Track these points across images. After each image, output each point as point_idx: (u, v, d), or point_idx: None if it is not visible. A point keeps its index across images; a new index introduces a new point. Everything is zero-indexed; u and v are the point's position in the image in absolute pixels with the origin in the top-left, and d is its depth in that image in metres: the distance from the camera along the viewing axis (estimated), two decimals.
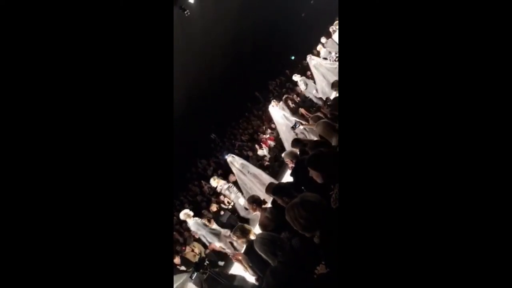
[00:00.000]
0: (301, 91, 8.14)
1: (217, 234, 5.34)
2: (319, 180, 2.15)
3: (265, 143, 8.45)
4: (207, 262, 5.19)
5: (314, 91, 7.44)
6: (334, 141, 2.84)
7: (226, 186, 5.87)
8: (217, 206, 7.11)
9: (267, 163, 7.72)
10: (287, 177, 4.82)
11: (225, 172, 8.48)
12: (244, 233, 3.02)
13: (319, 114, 5.04)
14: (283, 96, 8.56)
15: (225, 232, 5.38)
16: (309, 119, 5.40)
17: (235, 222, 5.94)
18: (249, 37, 10.71)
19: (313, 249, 1.72)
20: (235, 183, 5.93)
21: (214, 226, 5.54)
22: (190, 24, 8.08)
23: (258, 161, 7.64)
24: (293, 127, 6.31)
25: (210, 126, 11.38)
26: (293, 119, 6.54)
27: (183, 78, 8.56)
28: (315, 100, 7.33)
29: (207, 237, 5.43)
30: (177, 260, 5.55)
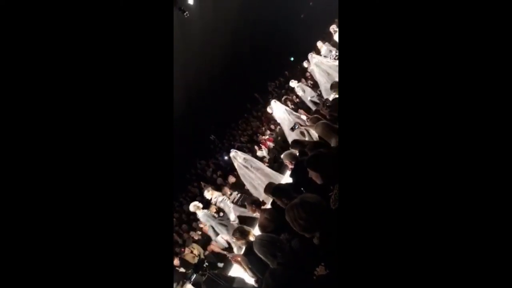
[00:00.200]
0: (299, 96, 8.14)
1: (225, 226, 5.49)
2: (318, 181, 2.14)
3: (264, 144, 8.45)
4: (206, 263, 5.18)
5: (311, 97, 7.45)
6: (333, 142, 2.84)
7: (220, 198, 5.72)
8: (216, 207, 7.11)
9: (266, 164, 7.72)
10: (287, 178, 4.82)
11: (225, 173, 8.50)
12: (244, 234, 3.02)
13: (318, 115, 5.05)
14: (282, 97, 8.57)
15: (234, 223, 5.51)
16: (308, 120, 5.41)
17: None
18: (248, 38, 10.72)
19: (312, 250, 1.72)
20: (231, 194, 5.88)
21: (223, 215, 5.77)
22: (190, 25, 8.09)
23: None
24: (292, 128, 6.32)
25: (209, 127, 11.39)
26: (296, 114, 6.60)
27: (183, 79, 8.56)
28: (312, 106, 7.34)
29: (216, 228, 5.60)
30: (176, 261, 5.54)
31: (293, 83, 7.85)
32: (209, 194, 5.66)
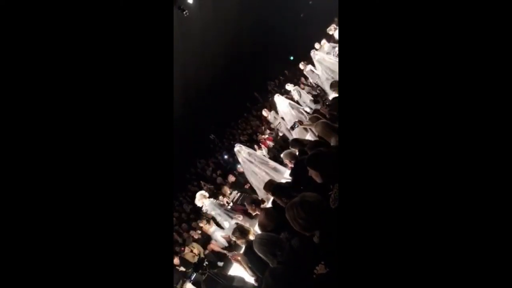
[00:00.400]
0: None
1: (230, 216, 5.54)
2: (318, 180, 2.15)
3: (264, 144, 8.45)
4: (206, 262, 5.19)
5: (308, 101, 7.46)
6: (333, 141, 2.84)
7: (208, 201, 5.55)
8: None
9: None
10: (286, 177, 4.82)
11: (224, 172, 8.50)
12: (243, 233, 3.02)
13: (317, 114, 5.06)
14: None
15: (238, 216, 5.53)
16: (308, 119, 5.42)
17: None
18: (248, 37, 10.71)
19: (312, 249, 1.72)
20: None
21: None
22: (189, 24, 8.08)
23: None
24: (292, 127, 6.33)
25: (209, 126, 11.38)
26: (299, 107, 6.63)
27: (182, 79, 8.56)
28: (309, 110, 7.36)
29: (222, 218, 5.63)
30: (176, 260, 5.55)
31: (289, 87, 7.83)
32: (200, 202, 5.51)
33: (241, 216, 5.31)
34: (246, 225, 4.59)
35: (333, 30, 8.14)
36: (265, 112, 7.62)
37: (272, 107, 8.99)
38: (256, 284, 2.85)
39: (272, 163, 5.65)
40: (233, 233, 3.10)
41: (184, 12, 7.45)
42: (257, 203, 3.68)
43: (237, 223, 5.02)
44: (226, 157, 10.14)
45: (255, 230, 3.14)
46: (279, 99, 6.94)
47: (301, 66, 8.16)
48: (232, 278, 4.10)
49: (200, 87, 10.19)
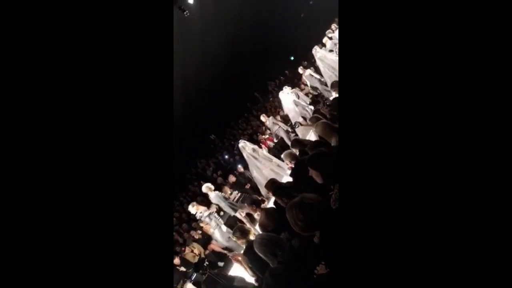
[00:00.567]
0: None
1: (234, 209, 5.59)
2: (319, 180, 2.14)
3: (264, 144, 8.45)
4: (206, 263, 5.19)
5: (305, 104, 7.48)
6: (333, 142, 2.84)
7: (206, 213, 5.40)
8: (217, 206, 7.11)
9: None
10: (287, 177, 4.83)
11: (225, 173, 8.50)
12: (244, 233, 3.02)
13: (318, 114, 5.06)
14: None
15: (242, 207, 5.57)
16: (308, 119, 5.44)
17: (235, 223, 5.97)
18: (248, 37, 10.71)
19: (313, 249, 1.72)
20: (217, 211, 5.78)
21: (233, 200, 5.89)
22: (190, 24, 8.08)
23: None
24: (293, 127, 6.36)
25: (209, 126, 11.38)
26: (303, 103, 6.66)
27: (183, 79, 8.56)
28: (298, 124, 7.37)
29: (226, 210, 5.71)
30: (176, 260, 5.55)
31: (287, 89, 7.79)
32: (193, 209, 5.37)
33: (244, 213, 5.34)
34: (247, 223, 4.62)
35: (333, 32, 8.12)
36: (263, 118, 7.61)
37: (272, 108, 9.00)
38: (256, 284, 2.85)
39: (276, 160, 5.70)
40: (234, 233, 3.10)
41: (185, 13, 7.46)
42: (258, 203, 3.68)
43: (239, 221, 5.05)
44: (226, 157, 10.15)
45: (255, 229, 3.15)
46: (283, 95, 7.02)
47: (300, 70, 8.13)
48: (233, 278, 4.10)
49: (200, 87, 10.19)
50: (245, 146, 5.88)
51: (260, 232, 2.91)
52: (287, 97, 6.98)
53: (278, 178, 5.18)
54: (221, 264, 5.40)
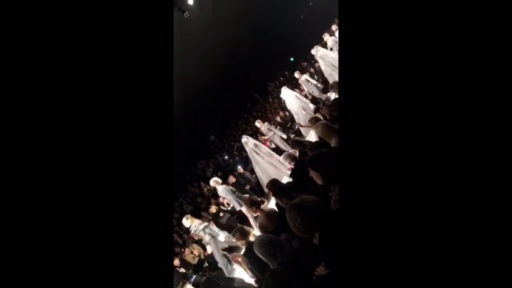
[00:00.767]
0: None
1: (240, 204, 5.70)
2: (319, 181, 2.14)
3: (264, 144, 8.45)
4: (206, 264, 5.18)
5: (296, 117, 7.48)
6: (333, 142, 2.84)
7: (201, 226, 5.12)
8: (216, 207, 7.11)
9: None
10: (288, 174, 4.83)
11: (224, 175, 8.49)
12: (244, 234, 3.01)
13: (317, 115, 5.07)
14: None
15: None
16: (308, 121, 5.45)
17: (235, 224, 5.97)
18: (248, 38, 10.73)
19: (312, 250, 1.71)
20: (214, 222, 5.73)
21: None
22: (189, 25, 8.10)
23: None
24: (292, 128, 6.40)
25: (209, 127, 11.39)
26: (306, 101, 6.72)
27: (182, 79, 8.57)
28: (298, 125, 7.38)
29: (234, 203, 5.83)
30: (176, 262, 5.54)
31: (283, 94, 7.84)
32: (188, 222, 5.17)
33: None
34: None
35: (328, 37, 8.12)
36: (258, 124, 7.60)
37: (272, 109, 8.99)
38: (256, 285, 2.85)
39: (277, 157, 5.77)
40: (234, 234, 3.09)
41: (185, 14, 7.46)
42: (257, 204, 3.67)
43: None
44: (226, 158, 10.15)
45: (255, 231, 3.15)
46: (286, 92, 7.07)
47: (296, 75, 8.08)
48: (232, 279, 4.09)
49: (200, 87, 10.20)
50: (248, 142, 6.01)
51: (260, 233, 2.91)
52: (289, 93, 7.05)
53: (279, 174, 5.27)
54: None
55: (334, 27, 8.03)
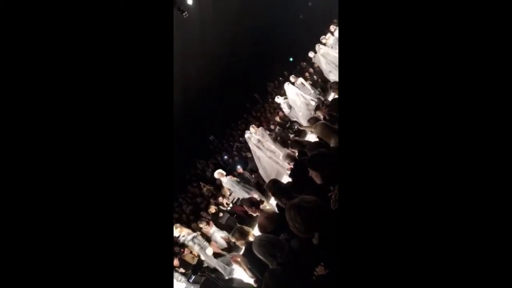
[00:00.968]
0: (285, 113, 8.07)
1: (248, 192, 5.87)
2: (318, 180, 2.14)
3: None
4: (205, 264, 5.18)
5: (300, 114, 7.48)
6: (332, 142, 2.84)
7: (190, 236, 5.03)
8: (216, 208, 7.11)
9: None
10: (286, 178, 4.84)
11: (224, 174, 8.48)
12: (243, 234, 3.01)
13: (316, 115, 5.08)
14: (282, 96, 8.56)
15: (254, 191, 5.81)
16: (307, 121, 5.46)
17: (234, 224, 5.98)
18: (247, 38, 10.73)
19: (312, 250, 1.72)
20: (202, 234, 5.65)
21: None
22: (189, 25, 8.09)
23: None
24: (292, 128, 6.44)
25: (208, 127, 11.39)
26: (308, 97, 6.76)
27: (182, 80, 8.56)
28: (302, 121, 7.37)
29: (240, 194, 5.96)
30: (175, 262, 5.53)
31: (279, 99, 7.75)
32: (177, 231, 5.08)
33: (258, 193, 5.58)
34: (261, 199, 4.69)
35: (333, 30, 8.11)
36: (252, 129, 7.61)
37: (271, 109, 8.98)
38: (255, 286, 2.85)
39: (280, 152, 5.82)
40: (233, 234, 3.09)
41: (184, 14, 7.46)
42: (256, 204, 3.67)
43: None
44: (225, 158, 10.15)
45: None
46: (288, 88, 7.12)
47: (291, 78, 7.89)
48: (231, 280, 4.09)
49: (200, 87, 10.20)
50: (251, 137, 6.14)
51: (259, 233, 2.91)
52: (292, 89, 7.09)
53: (281, 170, 5.29)
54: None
55: (332, 28, 8.01)
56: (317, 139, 3.61)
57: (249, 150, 8.66)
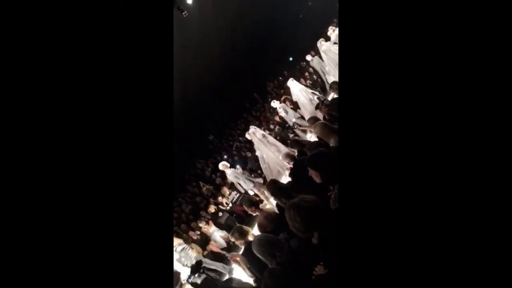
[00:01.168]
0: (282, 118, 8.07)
1: (252, 182, 6.01)
2: (318, 180, 2.15)
3: None
4: (204, 264, 5.17)
5: (295, 118, 7.48)
6: (332, 142, 2.84)
7: (180, 247, 4.94)
8: (215, 207, 7.12)
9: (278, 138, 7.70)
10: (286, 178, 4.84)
11: (223, 174, 8.49)
12: (243, 234, 3.01)
13: (316, 115, 5.09)
14: (281, 97, 8.57)
15: (259, 180, 6.01)
16: (307, 120, 5.48)
17: (233, 223, 5.99)
18: (247, 38, 10.72)
19: (311, 249, 1.72)
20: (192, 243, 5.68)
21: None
22: (188, 25, 8.08)
23: (256, 163, 7.63)
24: (292, 128, 6.47)
25: (208, 127, 11.39)
26: (310, 96, 6.77)
27: (182, 79, 8.56)
28: (297, 125, 7.37)
29: (244, 185, 6.06)
30: None
31: (275, 104, 7.73)
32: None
33: (262, 180, 5.70)
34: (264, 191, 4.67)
35: (332, 32, 8.10)
36: (248, 136, 7.60)
37: (271, 109, 8.97)
38: (255, 285, 2.85)
39: (283, 147, 5.91)
40: (232, 234, 3.09)
41: (184, 13, 7.45)
42: (256, 204, 3.68)
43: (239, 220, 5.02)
44: (225, 157, 10.14)
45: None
46: (292, 84, 7.17)
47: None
48: (231, 279, 4.09)
49: (198, 87, 10.18)
50: (256, 132, 6.26)
51: (259, 233, 2.91)
52: (296, 85, 7.15)
53: (283, 166, 5.32)
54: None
55: (331, 29, 7.99)
56: (316, 139, 3.62)
57: (248, 149, 8.67)
